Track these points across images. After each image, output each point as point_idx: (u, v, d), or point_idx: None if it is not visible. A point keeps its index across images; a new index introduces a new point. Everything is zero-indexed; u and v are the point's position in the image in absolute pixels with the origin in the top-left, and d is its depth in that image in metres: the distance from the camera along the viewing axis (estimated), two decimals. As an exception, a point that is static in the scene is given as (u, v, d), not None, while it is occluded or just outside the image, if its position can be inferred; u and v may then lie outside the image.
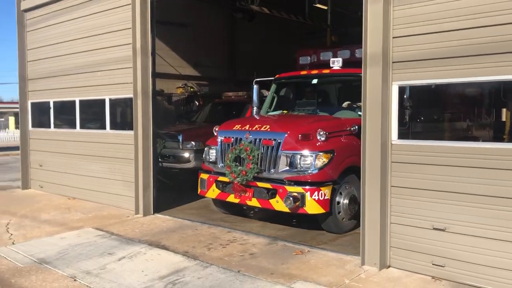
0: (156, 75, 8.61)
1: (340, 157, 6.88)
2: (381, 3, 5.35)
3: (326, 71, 8.30)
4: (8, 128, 44.56)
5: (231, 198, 7.38)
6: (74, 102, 10.34)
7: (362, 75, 5.58)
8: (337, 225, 7.02)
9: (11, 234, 7.38)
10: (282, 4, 13.64)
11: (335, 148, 6.87)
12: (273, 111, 8.91)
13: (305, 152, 6.77)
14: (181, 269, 5.63)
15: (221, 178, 7.52)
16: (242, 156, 7.10)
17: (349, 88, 8.23)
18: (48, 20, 10.83)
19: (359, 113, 6.85)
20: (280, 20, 13.66)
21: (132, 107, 8.50)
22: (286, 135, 6.93)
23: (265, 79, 8.96)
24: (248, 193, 7.15)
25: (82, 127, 10.23)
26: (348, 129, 7.23)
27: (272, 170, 6.94)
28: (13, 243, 6.79)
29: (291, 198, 6.54)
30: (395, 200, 5.48)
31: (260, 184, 7.01)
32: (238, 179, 7.09)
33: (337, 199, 6.94)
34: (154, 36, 8.46)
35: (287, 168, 6.83)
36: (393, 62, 5.42)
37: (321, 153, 6.75)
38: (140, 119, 8.39)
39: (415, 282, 5.09)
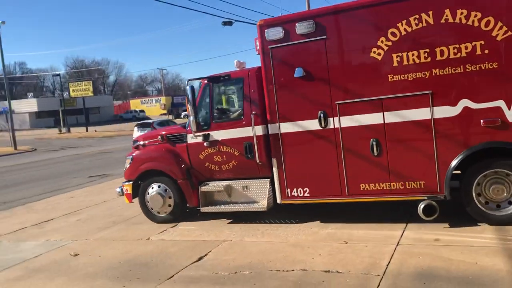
0: None
1: (136, 163, 8.60)
2: None
3: None
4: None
5: None
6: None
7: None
8: (149, 215, 8.56)
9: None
10: None
11: (133, 155, 8.72)
12: None
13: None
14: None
15: None
16: None
17: None
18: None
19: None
20: None
21: None
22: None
23: None
24: None
25: None
26: (159, 138, 8.52)
27: None
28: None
29: (117, 190, 8.99)
30: None
31: None
32: None
33: (147, 194, 8.47)
34: None
35: None
36: None
37: (128, 158, 8.78)
38: None
39: None
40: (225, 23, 24.15)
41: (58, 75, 73.60)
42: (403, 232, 6.41)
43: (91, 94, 59.25)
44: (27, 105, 70.96)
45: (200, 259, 6.30)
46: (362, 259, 5.60)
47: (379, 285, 4.82)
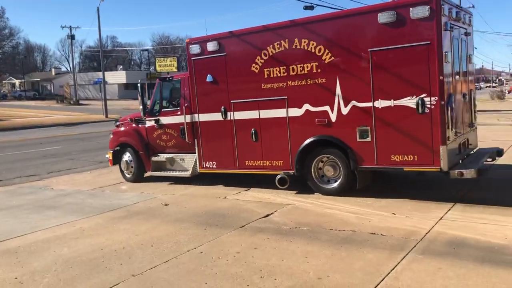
0: None
1: (115, 137, 11.76)
2: None
3: None
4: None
5: None
6: None
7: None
8: (122, 174, 11.63)
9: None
10: None
11: (113, 131, 11.93)
12: None
13: None
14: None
15: None
16: None
17: None
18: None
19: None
20: None
21: None
22: None
23: None
24: None
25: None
26: (128, 120, 11.66)
27: None
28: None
29: (106, 156, 12.24)
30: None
31: None
32: None
33: (121, 160, 11.51)
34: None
35: None
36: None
37: (111, 134, 11.98)
38: None
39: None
40: (306, 8, 24.86)
41: (147, 50, 78.36)
42: (448, 210, 7.18)
43: (175, 70, 62.39)
44: (116, 77, 76.29)
45: (267, 216, 7.50)
46: (406, 227, 6.49)
47: (414, 246, 5.72)
